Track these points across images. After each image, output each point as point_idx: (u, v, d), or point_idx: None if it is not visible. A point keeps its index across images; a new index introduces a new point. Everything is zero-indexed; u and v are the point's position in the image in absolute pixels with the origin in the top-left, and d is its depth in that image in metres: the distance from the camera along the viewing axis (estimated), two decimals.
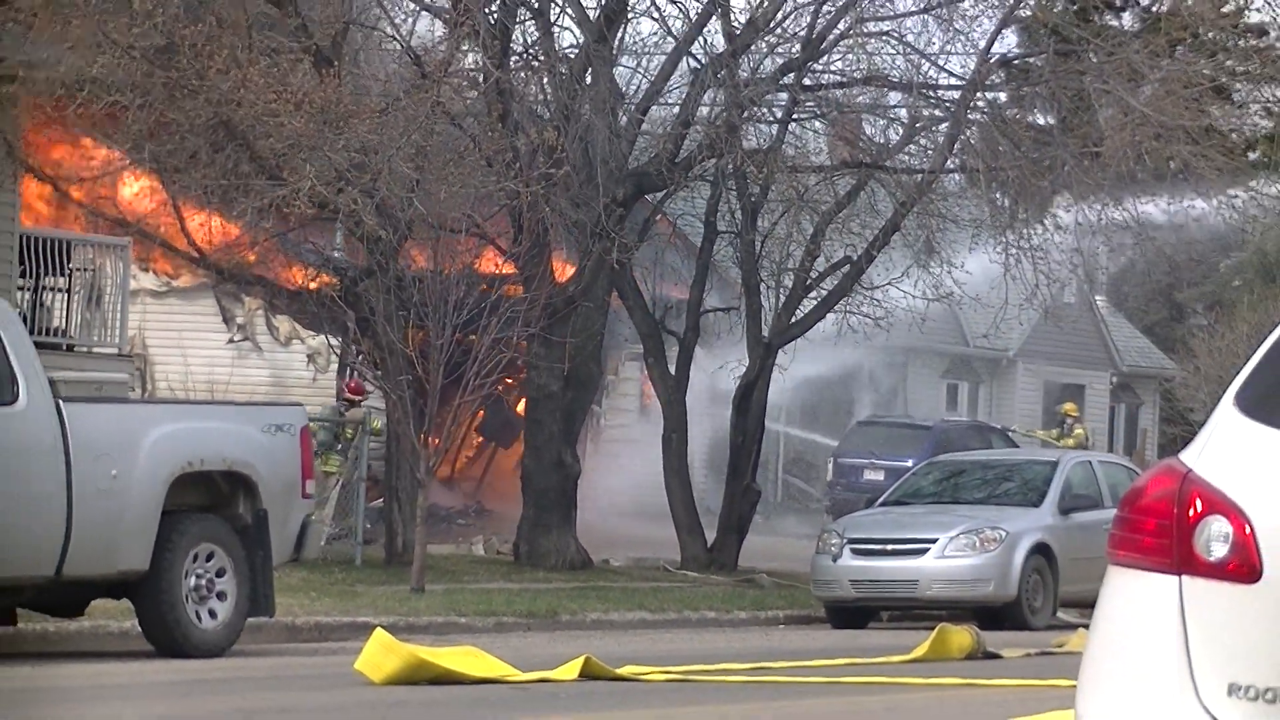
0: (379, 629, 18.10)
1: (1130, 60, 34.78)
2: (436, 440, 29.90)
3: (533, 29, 33.86)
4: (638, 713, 15.08)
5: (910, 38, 35.11)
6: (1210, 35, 36.72)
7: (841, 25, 34.09)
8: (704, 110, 33.93)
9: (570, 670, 17.37)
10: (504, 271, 33.12)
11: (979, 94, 35.39)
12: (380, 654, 16.71)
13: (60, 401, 18.99)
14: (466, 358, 29.50)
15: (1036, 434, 51.45)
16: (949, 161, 35.19)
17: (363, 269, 30.86)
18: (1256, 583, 5.98)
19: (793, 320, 36.13)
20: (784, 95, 34.81)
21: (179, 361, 38.40)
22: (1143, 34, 37.94)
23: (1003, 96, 38.11)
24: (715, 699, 16.48)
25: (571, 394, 33.91)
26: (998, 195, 35.50)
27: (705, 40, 34.43)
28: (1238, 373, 6.53)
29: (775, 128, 35.16)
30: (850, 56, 34.99)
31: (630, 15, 34.18)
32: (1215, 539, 6.06)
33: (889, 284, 37.18)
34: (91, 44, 28.25)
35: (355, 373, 35.52)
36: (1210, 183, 37.73)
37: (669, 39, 34.86)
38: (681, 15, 34.38)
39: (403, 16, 33.12)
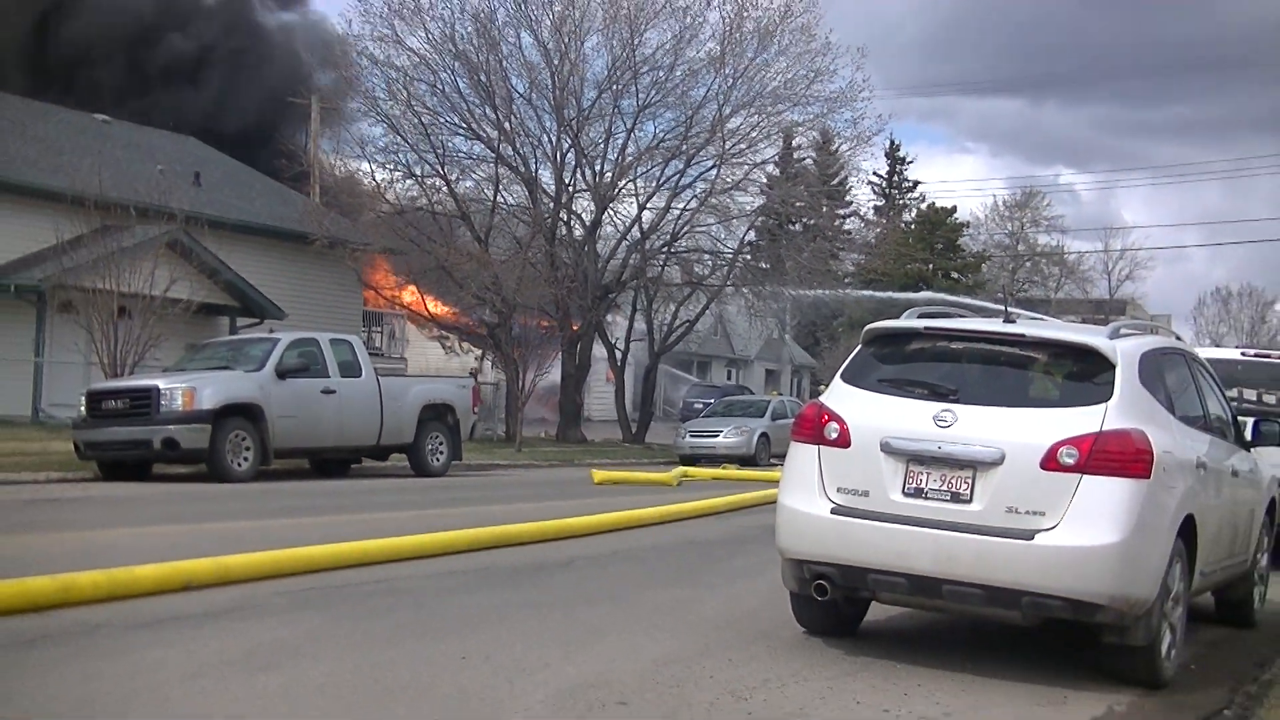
0: (596, 469, 18.03)
1: (798, 243, 35.00)
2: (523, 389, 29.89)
3: (564, 230, 33.86)
4: (612, 499, 15.13)
5: (712, 233, 35.22)
6: (830, 235, 36.91)
7: (685, 229, 34.19)
8: (632, 261, 33.90)
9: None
10: (552, 324, 33.10)
11: (739, 255, 35.48)
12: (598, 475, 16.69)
13: (378, 377, 19.01)
14: (537, 359, 29.51)
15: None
16: (727, 282, 35.25)
17: (495, 324, 30.79)
18: (849, 448, 6.14)
19: (666, 343, 36.12)
20: (663, 254, 34.83)
21: (423, 361, 38.22)
22: (805, 232, 38.11)
23: (750, 257, 38.20)
24: (641, 492, 16.56)
25: (579, 373, 33.85)
26: (748, 295, 35.55)
27: (630, 234, 34.43)
28: (841, 365, 6.71)
29: (661, 268, 35.16)
30: (689, 240, 35.05)
31: (601, 223, 34.19)
32: (832, 430, 6.21)
33: (704, 331, 37.22)
34: (390, 235, 28.21)
35: (494, 365, 35.37)
36: (831, 291, 38.01)
37: (617, 232, 34.92)
38: (623, 223, 34.47)
39: (514, 227, 33.17)
